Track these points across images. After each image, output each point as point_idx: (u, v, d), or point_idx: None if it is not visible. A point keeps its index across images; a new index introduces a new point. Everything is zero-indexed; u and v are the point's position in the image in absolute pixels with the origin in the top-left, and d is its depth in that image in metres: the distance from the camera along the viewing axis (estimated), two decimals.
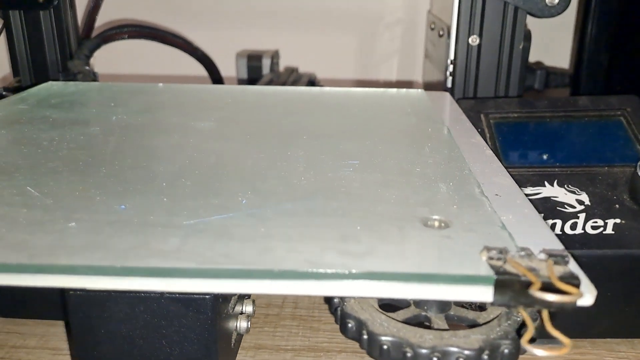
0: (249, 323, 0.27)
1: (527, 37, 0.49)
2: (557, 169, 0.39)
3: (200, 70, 0.66)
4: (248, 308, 0.28)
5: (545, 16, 0.47)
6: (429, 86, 0.63)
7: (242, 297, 0.28)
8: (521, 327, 0.19)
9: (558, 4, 0.45)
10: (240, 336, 0.29)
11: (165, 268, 0.18)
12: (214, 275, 0.18)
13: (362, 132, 0.33)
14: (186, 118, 0.36)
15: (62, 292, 0.23)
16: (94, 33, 0.57)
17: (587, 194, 0.36)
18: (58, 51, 0.51)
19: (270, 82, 0.63)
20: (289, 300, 0.38)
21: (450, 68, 0.51)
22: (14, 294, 0.33)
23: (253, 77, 0.68)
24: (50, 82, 0.46)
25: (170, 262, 0.18)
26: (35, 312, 0.34)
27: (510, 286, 0.17)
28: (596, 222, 0.34)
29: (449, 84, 0.51)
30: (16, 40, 0.50)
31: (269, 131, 0.33)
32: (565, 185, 0.37)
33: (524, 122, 0.43)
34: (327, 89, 0.45)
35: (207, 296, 0.22)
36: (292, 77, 0.68)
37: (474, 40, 0.49)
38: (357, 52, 0.75)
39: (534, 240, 0.20)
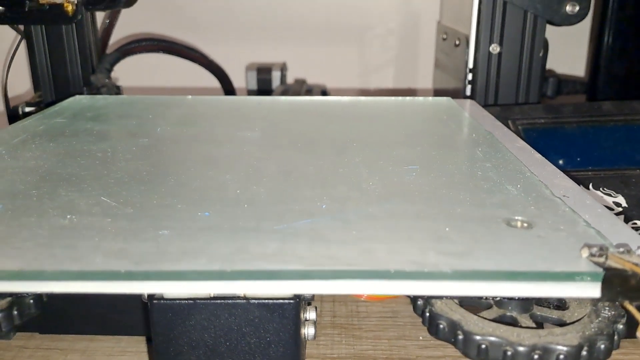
0: (315, 330, 0.27)
1: (545, 45, 0.50)
2: (590, 173, 0.39)
3: (208, 81, 0.66)
4: (312, 315, 0.28)
5: (564, 24, 0.48)
6: (440, 93, 0.64)
7: (307, 304, 0.28)
8: (614, 323, 0.20)
9: (578, 12, 0.46)
10: (304, 343, 0.29)
11: (271, 270, 0.18)
12: (322, 277, 0.18)
13: (408, 139, 0.34)
14: (230, 129, 0.36)
15: (146, 303, 0.23)
16: (108, 48, 0.57)
17: (623, 196, 0.37)
18: (80, 65, 0.51)
19: (283, 94, 0.63)
20: (326, 309, 0.38)
21: (469, 76, 0.52)
22: (53, 309, 0.33)
23: (263, 88, 0.68)
24: (77, 96, 0.46)
25: (277, 265, 0.18)
26: (75, 328, 0.33)
27: (617, 281, 0.17)
28: (635, 223, 0.35)
29: (468, 92, 0.52)
30: (38, 55, 0.50)
31: (317, 139, 0.34)
32: (601, 188, 0.38)
33: (552, 128, 0.44)
34: (356, 98, 0.45)
35: (291, 300, 0.22)
36: (304, 88, 0.69)
37: (494, 48, 0.50)
38: (359, 63, 0.76)
39: (619, 238, 0.20)
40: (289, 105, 0.43)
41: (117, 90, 0.50)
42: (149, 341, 0.27)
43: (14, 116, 0.50)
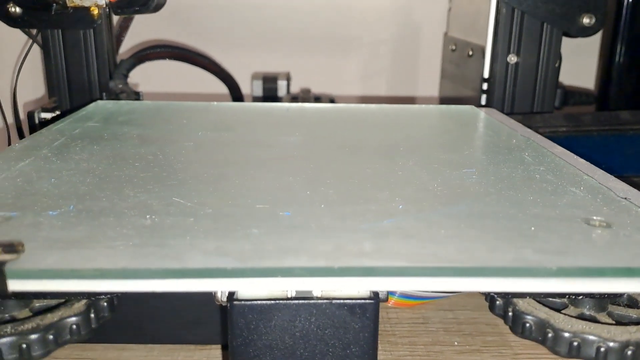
0: None
1: (560, 56, 0.51)
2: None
3: (212, 87, 0.66)
4: None
5: (580, 36, 0.50)
6: (447, 102, 0.65)
7: None
8: None
9: (594, 24, 0.48)
10: None
11: (369, 267, 0.18)
12: (425, 274, 0.18)
13: (451, 144, 0.34)
14: (269, 133, 0.36)
15: (226, 307, 0.22)
16: (118, 55, 0.56)
17: None
18: (97, 71, 0.50)
19: (292, 101, 0.63)
20: None
21: (485, 85, 0.53)
22: None
23: (269, 97, 0.68)
24: (100, 101, 0.45)
25: (385, 262, 0.18)
26: (106, 336, 0.32)
27: None
28: None
29: (483, 101, 0.53)
30: (54, 60, 0.49)
31: (360, 144, 0.34)
32: None
33: (574, 136, 0.45)
34: (382, 105, 0.45)
35: (372, 300, 0.22)
36: (312, 97, 0.69)
37: (511, 59, 0.51)
38: (358, 71, 0.77)
39: None
40: (317, 112, 0.43)
41: (136, 96, 0.49)
42: (224, 348, 0.27)
43: (29, 121, 0.49)
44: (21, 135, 0.51)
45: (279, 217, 0.22)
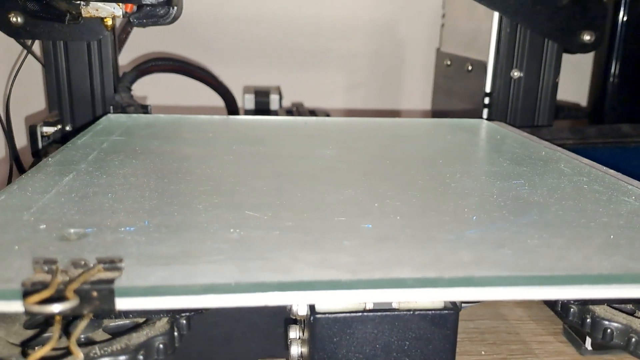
0: None
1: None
2: None
3: (206, 100, 0.66)
4: None
5: (580, 52, 0.52)
6: (442, 115, 0.66)
7: None
8: None
9: (594, 41, 0.50)
10: None
11: (470, 277, 0.18)
12: (528, 283, 0.18)
13: (484, 156, 0.35)
14: (302, 147, 0.36)
15: (311, 317, 0.22)
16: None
17: None
18: (102, 84, 0.49)
19: (288, 114, 0.64)
20: None
21: (486, 100, 0.54)
22: None
23: (261, 110, 0.68)
24: (110, 115, 0.44)
25: (487, 272, 0.18)
26: None
27: None
28: None
29: (485, 115, 0.54)
30: (56, 73, 0.48)
31: (398, 156, 0.34)
32: None
33: (581, 148, 0.47)
34: (394, 119, 0.46)
35: (452, 311, 0.22)
36: (306, 110, 0.69)
37: (515, 74, 0.52)
38: (342, 85, 0.78)
39: None
40: (336, 125, 0.43)
41: (143, 109, 0.48)
42: None
43: (31, 136, 0.47)
44: (12, 150, 0.49)
45: (362, 229, 0.22)
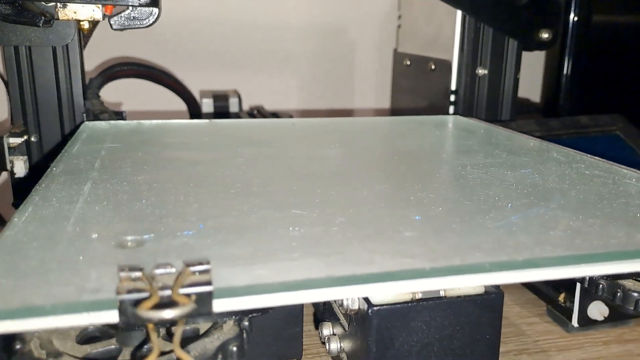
0: None
1: None
2: None
3: (166, 104, 0.65)
4: None
5: (538, 49, 0.55)
6: (402, 113, 0.68)
7: None
8: None
9: (550, 39, 0.53)
10: None
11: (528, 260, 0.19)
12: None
13: (480, 149, 0.36)
14: (307, 147, 0.36)
15: (367, 310, 0.22)
16: None
17: None
18: (71, 91, 0.47)
19: (251, 117, 0.63)
20: None
21: (452, 97, 0.56)
22: None
23: (220, 114, 0.68)
24: (90, 122, 0.42)
25: (554, 253, 0.19)
26: None
27: None
28: None
29: (450, 111, 0.56)
30: (19, 81, 0.45)
31: (403, 153, 0.35)
32: None
33: (547, 139, 0.50)
34: (374, 117, 0.47)
35: (498, 294, 0.23)
36: (269, 113, 0.69)
37: (480, 71, 0.55)
38: (297, 87, 0.79)
39: None
40: (324, 126, 0.44)
41: (117, 116, 0.47)
42: None
43: None
44: None
45: (413, 221, 0.23)
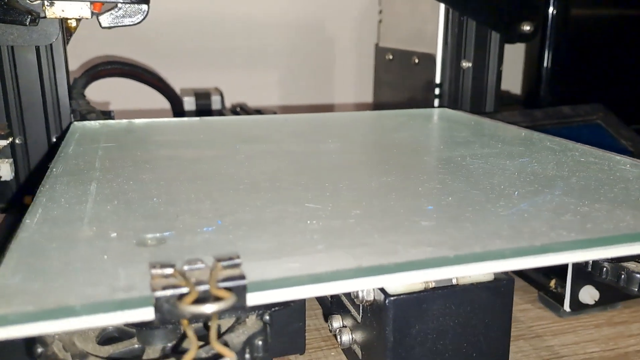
0: None
1: None
2: None
3: (150, 103, 0.64)
4: None
5: (520, 42, 0.56)
6: (384, 107, 0.68)
7: None
8: None
9: (532, 32, 0.54)
10: None
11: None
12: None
13: (476, 140, 0.37)
14: (304, 142, 0.36)
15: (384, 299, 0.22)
16: None
17: None
18: (55, 91, 0.46)
19: (236, 114, 0.63)
20: None
21: (437, 90, 0.57)
22: None
23: (202, 112, 0.67)
24: (79, 123, 0.42)
25: (568, 237, 0.20)
26: None
27: None
28: None
29: (435, 104, 0.57)
30: (2, 82, 0.44)
31: (401, 146, 0.35)
32: None
33: (533, 130, 0.51)
34: (365, 112, 0.47)
35: (509, 279, 0.24)
36: (252, 110, 0.69)
37: (464, 64, 0.55)
38: (277, 83, 0.79)
39: None
40: (315, 121, 0.44)
41: (105, 116, 0.46)
42: None
43: None
44: None
45: (426, 211, 0.23)
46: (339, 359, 0.29)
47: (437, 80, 0.57)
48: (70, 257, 0.18)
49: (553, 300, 0.35)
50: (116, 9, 0.39)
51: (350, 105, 0.83)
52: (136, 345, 0.20)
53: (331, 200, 0.24)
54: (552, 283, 0.35)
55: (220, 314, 0.17)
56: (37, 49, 0.45)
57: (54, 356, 0.18)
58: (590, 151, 0.33)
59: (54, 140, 0.46)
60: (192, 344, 0.15)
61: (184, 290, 0.16)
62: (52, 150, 0.45)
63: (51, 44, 0.45)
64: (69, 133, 0.38)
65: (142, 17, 0.39)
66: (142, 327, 0.20)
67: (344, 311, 0.28)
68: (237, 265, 0.17)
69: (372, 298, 0.24)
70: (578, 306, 0.34)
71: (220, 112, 0.67)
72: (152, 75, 0.57)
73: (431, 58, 0.57)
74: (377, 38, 0.72)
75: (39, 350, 0.19)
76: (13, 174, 0.45)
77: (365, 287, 0.18)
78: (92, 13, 0.39)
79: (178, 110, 0.63)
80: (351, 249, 0.19)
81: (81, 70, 0.56)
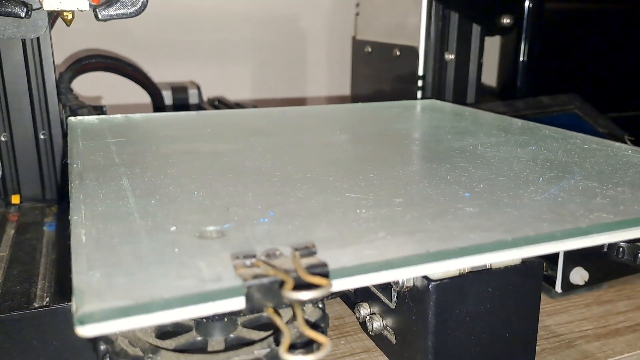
0: None
1: None
2: None
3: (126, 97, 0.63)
4: None
5: (500, 34, 0.58)
6: (362, 99, 0.69)
7: None
8: None
9: (511, 25, 0.56)
10: None
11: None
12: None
13: (474, 129, 0.38)
14: (314, 134, 0.37)
15: (427, 283, 0.23)
16: None
17: None
18: (39, 87, 0.45)
19: (216, 108, 0.63)
20: None
21: (420, 82, 0.58)
22: None
23: (179, 106, 0.67)
24: (75, 118, 0.41)
25: (613, 219, 0.21)
26: None
27: None
28: None
29: (419, 96, 0.58)
30: None
31: (407, 136, 0.36)
32: None
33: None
34: (359, 104, 0.48)
35: (540, 262, 0.25)
36: (233, 103, 0.69)
37: (448, 56, 0.57)
38: (252, 77, 0.79)
39: None
40: (313, 114, 0.44)
41: (97, 111, 0.45)
42: None
43: None
44: None
45: (463, 198, 0.24)
46: (349, 347, 0.30)
47: (420, 72, 0.58)
48: (140, 251, 0.18)
49: (545, 282, 0.37)
50: (113, 2, 0.38)
51: (323, 99, 0.84)
52: (198, 338, 0.20)
53: (368, 190, 0.25)
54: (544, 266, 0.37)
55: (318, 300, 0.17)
56: (24, 42, 0.43)
57: (123, 352, 0.18)
58: (589, 138, 0.35)
59: (42, 137, 0.45)
60: (284, 331, 0.16)
61: (275, 279, 0.16)
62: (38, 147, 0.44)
63: (38, 37, 0.43)
64: (70, 129, 0.37)
65: (140, 9, 0.39)
66: (202, 320, 0.20)
67: (372, 299, 0.28)
68: (314, 254, 0.17)
69: (412, 284, 0.25)
70: (569, 287, 0.36)
71: (198, 106, 0.66)
72: (135, 69, 0.56)
73: (413, 50, 0.58)
74: (354, 31, 0.72)
75: (102, 347, 0.19)
76: (1, 171, 0.44)
77: (436, 271, 0.18)
78: (90, 5, 0.38)
79: (158, 104, 0.62)
80: (411, 235, 0.19)
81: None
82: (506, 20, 0.56)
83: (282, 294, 0.15)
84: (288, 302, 0.15)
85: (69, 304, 0.27)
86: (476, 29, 0.57)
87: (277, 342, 0.19)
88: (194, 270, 0.17)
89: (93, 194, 0.23)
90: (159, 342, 0.20)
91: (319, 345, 0.15)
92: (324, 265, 0.17)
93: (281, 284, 0.16)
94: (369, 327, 0.28)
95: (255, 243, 0.19)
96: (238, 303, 0.16)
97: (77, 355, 0.26)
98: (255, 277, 0.16)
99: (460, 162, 0.30)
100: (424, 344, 0.24)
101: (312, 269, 0.16)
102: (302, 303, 0.15)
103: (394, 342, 0.27)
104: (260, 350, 0.18)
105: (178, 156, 0.30)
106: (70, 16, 0.38)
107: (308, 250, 0.17)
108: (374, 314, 0.28)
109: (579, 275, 0.37)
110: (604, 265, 0.38)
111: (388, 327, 0.27)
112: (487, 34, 0.57)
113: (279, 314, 0.16)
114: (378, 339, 0.29)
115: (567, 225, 0.21)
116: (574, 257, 0.36)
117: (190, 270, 0.17)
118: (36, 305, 0.28)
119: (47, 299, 0.29)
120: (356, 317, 0.29)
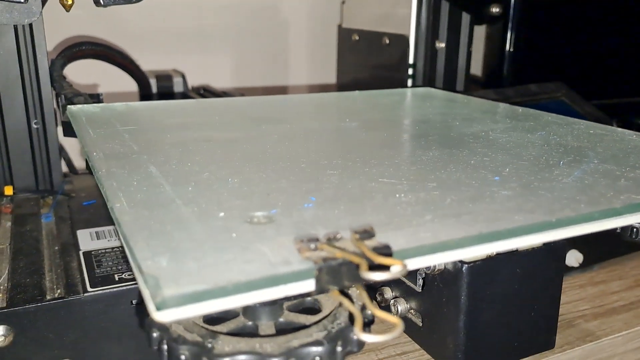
0: None
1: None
2: None
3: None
4: None
5: (489, 23, 0.59)
6: (348, 88, 0.69)
7: None
8: None
9: (500, 13, 0.57)
10: None
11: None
12: None
13: (480, 116, 0.39)
14: (323, 121, 0.37)
15: (461, 267, 0.24)
16: None
17: None
18: (32, 74, 0.43)
19: (202, 97, 0.63)
20: None
21: (410, 71, 0.59)
22: None
23: (164, 94, 0.66)
24: (76, 107, 0.40)
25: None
26: None
27: None
28: None
29: (409, 84, 0.59)
30: None
31: (418, 122, 0.37)
32: None
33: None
34: (363, 92, 0.48)
35: (563, 243, 0.26)
36: (220, 92, 0.68)
37: (439, 45, 0.58)
38: (231, 65, 0.78)
39: None
40: (314, 102, 0.44)
41: (94, 99, 0.44)
42: None
43: None
44: None
45: (496, 182, 0.24)
46: None
47: (410, 60, 0.58)
48: (197, 237, 0.18)
49: None
50: None
51: (305, 87, 0.84)
52: (248, 323, 0.20)
53: (399, 174, 0.25)
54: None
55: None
56: (15, 28, 0.42)
57: (181, 338, 0.18)
58: (591, 124, 0.36)
59: (35, 126, 0.44)
60: (356, 314, 0.16)
61: (343, 261, 0.16)
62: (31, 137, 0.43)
63: (31, 23, 0.42)
64: (72, 117, 0.36)
65: None
66: (250, 306, 0.20)
67: (395, 283, 0.29)
68: (373, 236, 0.18)
69: (442, 267, 0.25)
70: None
71: (184, 95, 0.65)
72: (124, 56, 0.55)
73: (404, 39, 0.58)
74: (340, 19, 0.72)
75: (155, 334, 0.19)
76: None
77: (490, 252, 0.19)
78: None
79: (146, 92, 0.61)
80: (458, 218, 0.20)
81: None
82: (495, 9, 0.57)
83: (360, 275, 0.15)
84: (361, 283, 0.15)
85: (84, 295, 0.27)
86: (466, 18, 0.57)
87: (331, 325, 0.19)
88: (259, 255, 0.17)
89: (125, 182, 0.23)
90: (212, 328, 0.20)
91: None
92: (387, 247, 0.17)
93: (351, 266, 0.16)
94: (394, 310, 0.28)
95: (308, 227, 0.19)
96: (308, 285, 0.16)
97: (91, 346, 0.26)
98: (325, 260, 0.16)
99: (477, 147, 0.30)
100: (455, 325, 0.25)
101: (377, 251, 0.17)
102: (378, 284, 0.16)
103: (420, 325, 0.27)
104: (318, 333, 0.18)
105: (196, 144, 0.30)
106: (70, 1, 0.37)
107: (368, 233, 0.18)
108: (397, 297, 0.29)
109: (573, 258, 0.38)
110: (597, 247, 0.39)
111: (412, 310, 0.28)
112: (476, 22, 0.58)
113: (347, 296, 0.17)
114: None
115: (602, 206, 0.21)
116: (569, 240, 0.37)
117: (256, 255, 0.17)
118: (48, 297, 0.27)
119: (59, 291, 0.28)
120: (377, 302, 0.30)
